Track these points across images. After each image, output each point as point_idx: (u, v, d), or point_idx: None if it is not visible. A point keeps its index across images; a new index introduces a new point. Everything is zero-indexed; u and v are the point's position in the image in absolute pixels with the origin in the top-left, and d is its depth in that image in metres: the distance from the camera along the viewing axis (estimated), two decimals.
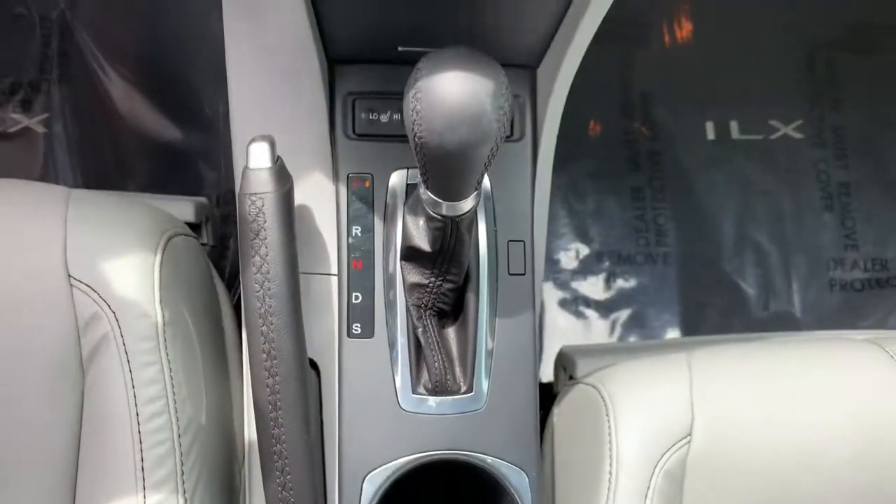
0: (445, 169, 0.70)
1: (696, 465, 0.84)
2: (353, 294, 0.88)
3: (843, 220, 1.63)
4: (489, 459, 0.87)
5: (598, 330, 1.54)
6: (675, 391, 0.87)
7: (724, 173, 1.63)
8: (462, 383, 0.87)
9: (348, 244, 0.89)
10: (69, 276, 0.80)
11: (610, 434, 0.86)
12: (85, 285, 0.80)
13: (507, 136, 0.91)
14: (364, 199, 0.90)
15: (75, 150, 1.51)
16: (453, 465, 0.87)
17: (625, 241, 1.58)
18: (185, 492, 0.81)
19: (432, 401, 0.86)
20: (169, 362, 0.82)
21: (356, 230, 0.89)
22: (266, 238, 0.75)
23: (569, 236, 1.58)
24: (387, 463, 0.85)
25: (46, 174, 1.50)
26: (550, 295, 1.55)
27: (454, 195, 0.74)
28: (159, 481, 0.80)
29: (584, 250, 1.58)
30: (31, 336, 0.80)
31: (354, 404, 0.86)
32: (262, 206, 0.76)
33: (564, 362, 1.15)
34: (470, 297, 0.88)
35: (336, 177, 0.90)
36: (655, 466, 0.84)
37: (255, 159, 0.77)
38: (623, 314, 1.55)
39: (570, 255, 1.57)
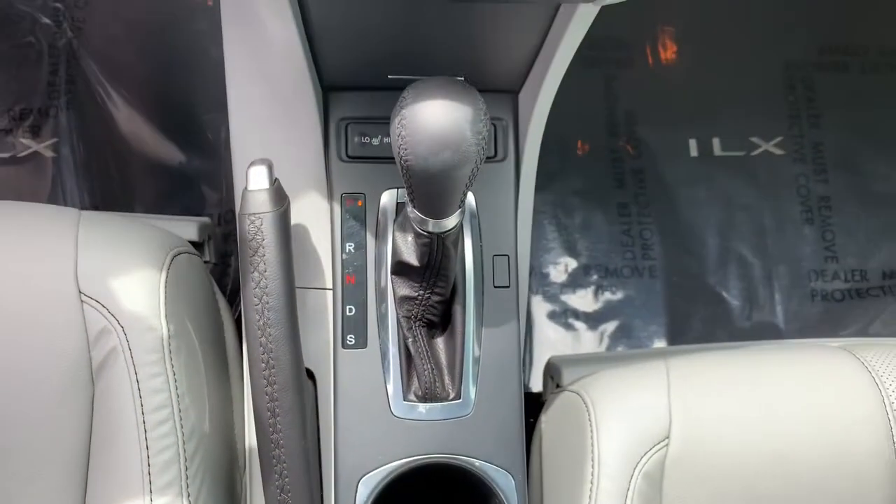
0: (430, 189, 0.73)
1: (673, 467, 0.86)
2: (347, 307, 0.91)
3: (823, 233, 1.66)
4: (477, 463, 0.89)
5: (586, 341, 1.55)
6: (654, 396, 0.89)
7: (707, 189, 1.66)
8: (451, 390, 0.89)
9: (342, 260, 0.92)
10: (80, 292, 0.83)
11: (592, 437, 0.88)
12: (95, 301, 0.83)
13: (491, 157, 0.95)
14: (357, 217, 0.93)
15: (83, 173, 1.53)
16: (443, 469, 0.89)
17: (612, 255, 1.60)
18: (189, 495, 0.84)
19: (422, 407, 0.88)
20: (174, 373, 0.85)
21: (349, 247, 0.93)
22: (265, 255, 0.78)
23: (557, 251, 1.60)
24: (380, 467, 0.88)
25: (55, 196, 1.52)
26: (540, 307, 1.57)
27: (439, 213, 0.77)
28: (165, 485, 0.82)
29: (573, 264, 1.60)
30: (45, 348, 0.83)
31: (349, 411, 0.89)
32: (261, 225, 0.79)
33: (552, 372, 1.18)
34: (457, 308, 0.90)
35: (330, 196, 0.93)
36: (635, 468, 0.86)
37: (253, 181, 0.81)
38: (610, 325, 1.57)
39: (559, 268, 1.59)
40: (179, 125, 1.57)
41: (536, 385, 1.44)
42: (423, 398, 0.89)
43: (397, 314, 0.90)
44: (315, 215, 0.93)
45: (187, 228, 1.15)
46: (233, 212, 1.49)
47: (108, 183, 1.54)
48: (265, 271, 0.79)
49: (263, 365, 0.78)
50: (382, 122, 0.92)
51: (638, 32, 1.73)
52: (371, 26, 0.82)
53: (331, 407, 0.90)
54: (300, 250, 0.92)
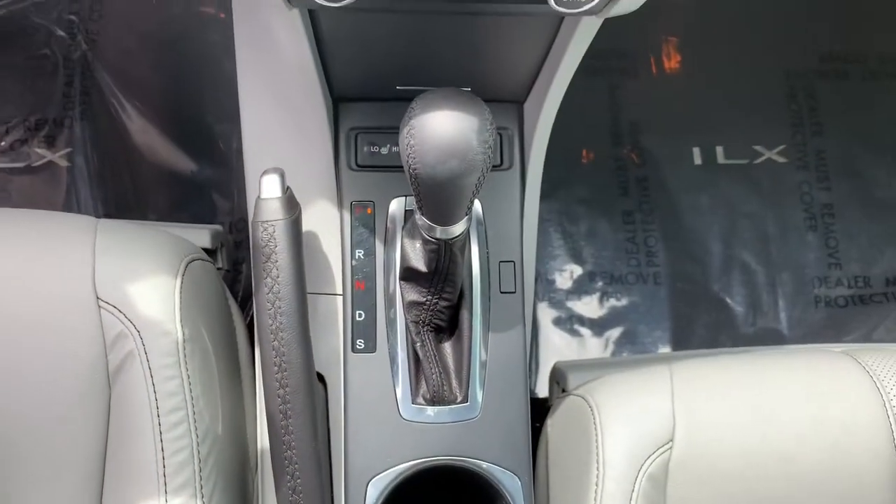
0: (438, 196, 0.75)
1: (677, 469, 0.87)
2: (357, 312, 0.93)
3: (826, 240, 1.66)
4: (484, 465, 0.90)
5: (592, 346, 1.56)
6: (658, 400, 0.90)
7: (710, 196, 1.67)
8: (458, 394, 0.91)
9: (352, 266, 0.94)
10: (98, 298, 0.85)
11: (597, 441, 0.88)
12: (112, 307, 0.85)
13: (497, 165, 0.97)
14: (366, 224, 0.95)
15: (96, 182, 1.55)
16: (451, 471, 0.90)
17: (616, 262, 1.61)
18: (203, 496, 0.85)
19: (430, 410, 0.90)
20: (188, 376, 0.86)
21: (359, 253, 0.95)
22: (277, 261, 0.80)
23: (563, 258, 1.61)
24: (389, 468, 0.89)
25: (69, 204, 1.54)
26: (546, 313, 1.58)
27: (447, 220, 0.79)
28: (179, 486, 0.83)
29: (578, 271, 1.61)
30: (63, 352, 0.84)
31: (358, 414, 0.90)
32: (274, 232, 0.81)
33: (557, 377, 1.19)
34: (464, 313, 0.92)
35: (340, 204, 0.95)
36: (639, 470, 0.86)
37: (266, 190, 0.83)
38: (615, 331, 1.58)
39: (565, 275, 1.61)
40: (191, 135, 1.59)
41: (542, 390, 1.45)
42: (431, 401, 0.90)
43: (406, 319, 0.92)
44: (326, 222, 0.95)
45: (201, 236, 1.17)
46: (244, 220, 1.52)
47: (122, 192, 1.56)
48: (278, 277, 0.80)
49: (276, 368, 0.80)
50: (391, 132, 0.93)
51: (641, 42, 1.75)
52: (380, 40, 0.84)
53: (341, 410, 0.92)
54: (311, 256, 0.94)
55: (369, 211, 0.95)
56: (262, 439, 0.97)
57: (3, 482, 0.85)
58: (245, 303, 1.44)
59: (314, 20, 0.80)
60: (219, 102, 1.58)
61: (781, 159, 1.71)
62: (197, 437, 0.86)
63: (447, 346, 0.93)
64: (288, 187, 0.85)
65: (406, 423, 0.90)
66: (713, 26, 1.77)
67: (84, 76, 1.62)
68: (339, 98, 0.95)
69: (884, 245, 1.67)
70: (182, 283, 0.89)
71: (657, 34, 1.75)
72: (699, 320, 1.61)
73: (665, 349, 1.58)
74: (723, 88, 1.74)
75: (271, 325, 0.80)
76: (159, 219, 1.54)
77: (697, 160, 1.70)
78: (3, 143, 1.58)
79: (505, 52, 0.87)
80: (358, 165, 0.95)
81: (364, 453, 0.90)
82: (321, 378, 0.94)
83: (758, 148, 1.71)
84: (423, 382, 0.91)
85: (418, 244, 0.86)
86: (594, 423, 0.90)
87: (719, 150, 1.70)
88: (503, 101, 0.96)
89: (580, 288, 1.61)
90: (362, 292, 0.94)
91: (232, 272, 1.45)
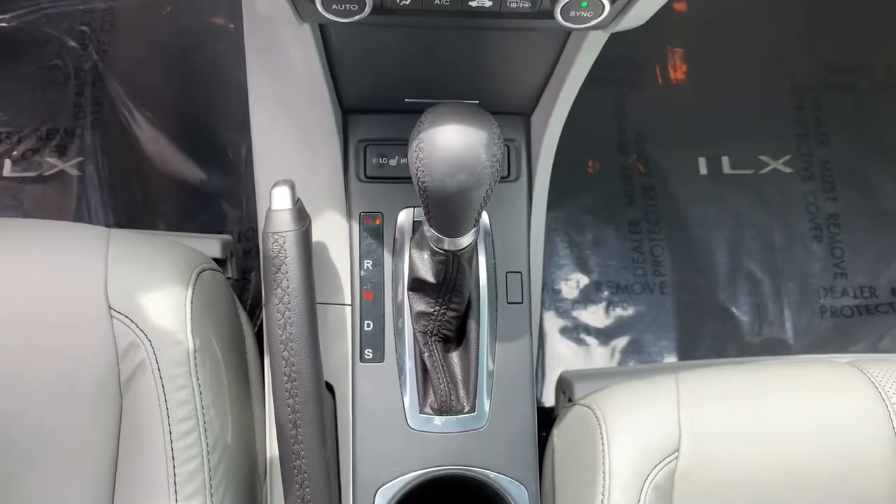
0: (446, 209, 0.76)
1: (683, 480, 0.87)
2: (366, 322, 0.94)
3: (832, 250, 1.67)
4: (491, 474, 0.91)
5: (598, 356, 1.57)
6: (664, 410, 0.90)
7: (716, 206, 1.67)
8: (465, 403, 0.91)
9: (361, 277, 0.95)
10: (110, 308, 0.85)
11: (603, 451, 0.89)
12: (124, 316, 0.85)
13: (504, 177, 0.98)
14: (375, 235, 0.96)
15: (107, 191, 1.56)
16: (458, 480, 0.91)
17: (623, 272, 1.62)
18: None
19: (438, 420, 0.91)
20: (199, 386, 0.86)
21: (368, 263, 0.95)
22: (287, 272, 0.81)
23: (569, 267, 1.62)
24: (397, 478, 0.90)
25: (80, 213, 1.55)
26: (552, 323, 1.59)
27: (455, 232, 0.80)
28: (190, 495, 0.84)
29: (584, 280, 1.62)
30: (76, 361, 0.85)
31: (367, 423, 0.91)
32: (284, 243, 0.81)
33: (564, 386, 1.19)
34: (472, 324, 0.93)
35: (349, 215, 0.96)
36: (645, 480, 0.86)
37: (277, 201, 0.84)
38: (622, 341, 1.59)
39: (571, 285, 1.61)
40: (201, 144, 1.60)
41: (549, 399, 1.45)
42: (439, 411, 0.91)
43: (414, 329, 0.93)
44: (335, 233, 0.96)
45: (211, 246, 1.18)
46: (253, 229, 1.53)
47: (132, 201, 1.58)
48: (288, 288, 0.81)
49: (285, 378, 0.81)
50: (399, 144, 0.95)
51: (647, 53, 1.76)
52: (389, 54, 0.85)
53: (349, 419, 0.93)
54: (321, 267, 0.95)
55: (378, 222, 0.96)
56: (272, 448, 0.98)
57: (16, 490, 0.86)
58: (254, 311, 1.45)
59: (324, 34, 0.81)
60: (228, 112, 1.60)
61: (787, 169, 1.72)
62: (207, 445, 0.86)
63: (455, 356, 0.94)
64: (298, 199, 0.86)
65: (414, 432, 0.91)
66: (719, 37, 1.78)
67: (95, 86, 1.63)
68: (349, 110, 0.96)
69: (890, 255, 1.68)
70: (193, 293, 0.90)
71: (663, 45, 1.76)
72: (705, 330, 1.61)
73: (671, 359, 1.58)
74: (729, 99, 1.75)
75: (281, 336, 0.81)
76: (169, 227, 1.55)
77: (703, 170, 1.70)
78: (14, 153, 1.60)
79: (512, 66, 0.88)
80: (367, 177, 0.96)
81: (372, 462, 0.91)
82: (330, 387, 0.95)
83: (763, 158, 1.72)
84: (431, 392, 0.92)
85: (426, 255, 0.87)
86: (600, 433, 0.90)
87: (725, 160, 1.71)
88: (511, 113, 0.97)
89: (586, 297, 1.61)
90: (371, 302, 0.95)
91: (241, 281, 1.46)
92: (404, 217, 0.96)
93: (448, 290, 0.88)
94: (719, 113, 1.74)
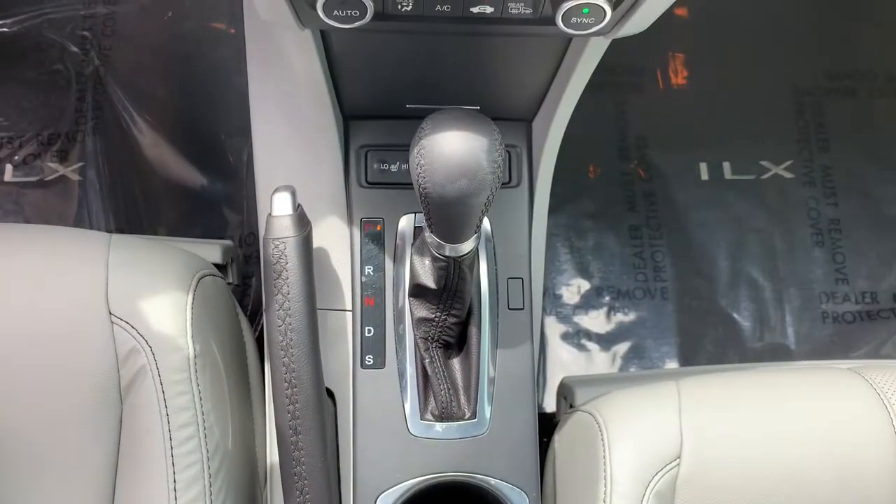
0: (447, 215, 0.76)
1: (684, 486, 0.87)
2: (366, 328, 0.94)
3: (833, 256, 1.66)
4: (492, 481, 0.91)
5: (599, 362, 1.56)
6: (665, 416, 0.90)
7: (717, 212, 1.67)
8: (466, 410, 0.91)
9: (361, 282, 0.95)
10: (110, 313, 0.85)
11: (605, 457, 0.88)
12: (125, 322, 0.85)
13: (506, 183, 0.98)
14: (376, 241, 0.96)
15: (108, 196, 1.56)
16: (459, 486, 0.91)
17: (624, 277, 1.62)
18: None
19: (439, 426, 0.91)
20: (199, 392, 0.86)
21: (368, 269, 0.95)
22: (288, 278, 0.81)
23: (570, 273, 1.62)
24: (397, 484, 0.89)
25: (81, 218, 1.55)
26: (553, 329, 1.58)
27: (456, 238, 0.80)
28: (190, 501, 0.84)
29: (585, 286, 1.61)
30: (76, 367, 0.85)
31: (367, 429, 0.91)
32: (285, 249, 0.82)
33: (565, 392, 1.19)
34: (473, 330, 0.92)
35: (350, 221, 0.96)
36: (647, 487, 0.86)
37: (278, 207, 0.84)
38: (623, 346, 1.58)
39: (572, 290, 1.61)
40: (202, 149, 1.60)
41: (550, 405, 1.45)
42: (440, 417, 0.91)
43: (415, 335, 0.93)
44: (336, 239, 0.96)
45: (212, 251, 1.18)
46: (254, 234, 1.53)
47: (133, 206, 1.58)
48: (288, 294, 0.81)
49: (286, 384, 0.81)
50: (401, 150, 0.95)
51: (648, 58, 1.76)
52: (390, 60, 0.85)
53: (350, 425, 0.93)
54: (321, 273, 0.95)
55: (379, 228, 0.96)
56: (272, 454, 0.98)
57: (15, 496, 0.86)
58: (254, 317, 1.45)
59: (326, 40, 0.81)
60: (230, 116, 1.60)
61: (788, 175, 1.72)
62: (207, 452, 0.86)
63: (456, 363, 0.94)
64: (299, 205, 0.86)
65: (414, 438, 0.91)
66: (720, 42, 1.78)
67: (96, 91, 1.63)
68: (350, 116, 0.96)
69: (891, 261, 1.67)
70: (194, 298, 0.90)
71: (664, 50, 1.76)
72: (707, 335, 1.61)
73: (672, 364, 1.58)
74: (730, 104, 1.75)
75: (282, 342, 0.81)
76: (170, 232, 1.55)
77: (704, 175, 1.70)
78: (16, 158, 1.60)
79: (514, 72, 0.88)
80: (368, 182, 0.97)
81: (372, 469, 0.91)
82: (330, 394, 0.94)
83: (765, 163, 1.72)
84: (432, 398, 0.92)
85: (427, 261, 0.87)
86: (602, 440, 0.90)
87: (726, 165, 1.71)
88: (512, 119, 0.97)
89: (587, 303, 1.61)
90: (371, 308, 0.95)
91: (241, 286, 1.46)
92: (405, 223, 0.96)
93: (449, 296, 0.88)
94: (720, 118, 1.74)
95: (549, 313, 1.59)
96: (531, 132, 1.00)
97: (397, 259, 0.95)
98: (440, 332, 0.91)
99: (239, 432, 0.94)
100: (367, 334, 0.94)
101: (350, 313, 0.96)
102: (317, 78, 0.86)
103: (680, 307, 1.62)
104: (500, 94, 0.92)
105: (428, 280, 0.87)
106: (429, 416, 0.92)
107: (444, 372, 0.92)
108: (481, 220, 0.79)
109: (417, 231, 0.95)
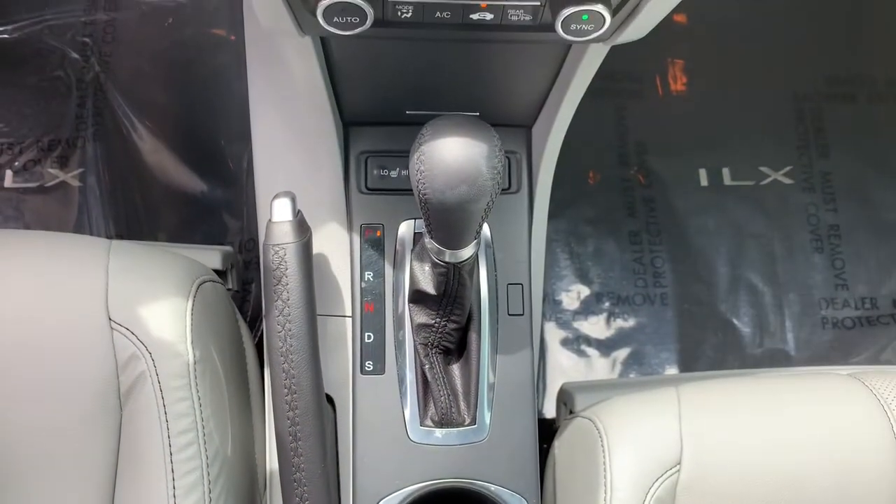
0: (447, 221, 0.76)
1: (685, 492, 0.87)
2: (366, 334, 0.94)
3: (833, 261, 1.67)
4: (492, 487, 0.90)
5: (599, 367, 1.56)
6: (665, 422, 0.90)
7: (717, 217, 1.67)
8: (466, 416, 0.91)
9: (361, 288, 0.95)
10: (110, 320, 0.85)
11: (605, 463, 0.89)
12: (124, 328, 0.85)
13: (505, 189, 0.98)
14: (376, 246, 0.96)
15: (108, 201, 1.57)
16: (459, 493, 0.91)
17: (624, 283, 1.62)
18: None
19: (439, 432, 0.90)
20: (199, 398, 0.86)
21: (368, 275, 0.95)
22: (288, 284, 0.81)
23: (570, 278, 1.62)
24: (397, 490, 0.89)
25: (81, 224, 1.55)
26: (553, 334, 1.58)
27: (456, 244, 0.80)
28: None
29: (585, 291, 1.61)
30: (75, 373, 0.85)
31: (367, 436, 0.91)
32: (285, 255, 0.82)
33: (565, 398, 1.19)
34: (472, 336, 0.92)
35: (350, 227, 0.96)
36: (647, 493, 0.86)
37: (278, 213, 0.84)
38: (623, 352, 1.58)
39: (572, 296, 1.61)
40: (202, 155, 1.60)
41: (550, 411, 1.45)
42: (440, 423, 0.91)
43: (414, 341, 0.92)
44: (336, 245, 0.96)
45: (212, 257, 1.18)
46: (254, 240, 1.53)
47: (133, 211, 1.58)
48: (288, 300, 0.82)
49: (286, 391, 0.81)
50: (401, 156, 0.95)
51: (648, 64, 1.76)
52: (390, 66, 0.85)
53: (350, 432, 0.92)
54: (321, 279, 0.95)
55: (378, 234, 0.96)
56: (272, 461, 0.98)
57: (13, 501, 0.86)
58: (254, 323, 1.45)
59: (325, 47, 0.82)
60: (230, 122, 1.60)
61: (788, 181, 1.72)
62: (207, 458, 0.86)
63: (455, 369, 0.94)
64: (299, 210, 0.86)
65: (414, 445, 0.91)
66: (719, 49, 1.79)
67: (97, 97, 1.64)
68: (350, 122, 0.96)
69: (891, 266, 1.68)
70: (194, 304, 0.90)
71: (664, 56, 1.77)
72: (706, 341, 1.61)
73: (672, 370, 1.58)
74: (729, 110, 1.75)
75: (281, 348, 0.81)
76: (169, 238, 1.55)
77: (704, 181, 1.70)
78: (16, 164, 1.60)
79: (514, 78, 0.88)
80: (368, 188, 0.97)
81: (372, 475, 0.90)
82: (330, 400, 0.94)
83: (764, 169, 1.72)
84: (432, 404, 0.92)
85: (427, 267, 0.87)
86: (602, 446, 0.90)
87: (726, 171, 1.71)
88: (512, 125, 0.98)
89: (587, 308, 1.61)
90: (371, 314, 0.95)
91: (241, 292, 1.46)
92: (405, 229, 0.96)
93: (449, 302, 0.88)
94: (720, 124, 1.75)
95: (548, 319, 1.59)
96: (531, 138, 1.00)
97: (397, 265, 0.95)
98: (440, 337, 0.91)
99: (238, 438, 0.94)
100: (366, 340, 0.94)
101: (350, 319, 0.96)
102: (317, 84, 0.86)
103: (680, 313, 1.62)
104: (499, 100, 0.93)
105: (428, 286, 0.87)
106: (428, 422, 0.91)
107: (443, 378, 0.92)
108: (481, 226, 0.79)
109: (417, 237, 0.95)
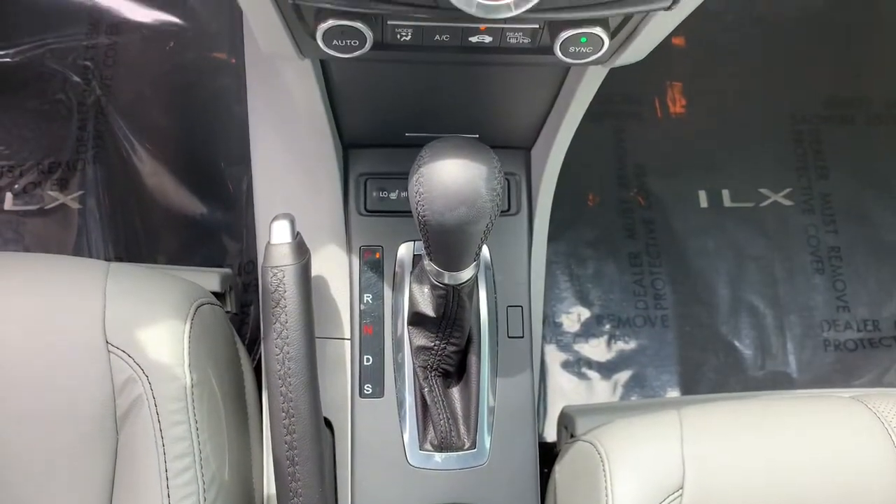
0: (446, 243, 0.76)
1: None
2: (365, 357, 0.93)
3: (834, 283, 1.66)
4: None
5: (600, 390, 1.55)
6: (667, 446, 0.89)
7: (717, 239, 1.67)
8: (466, 440, 0.91)
9: (360, 311, 0.94)
10: (107, 342, 0.85)
11: (607, 488, 0.87)
12: (121, 351, 0.85)
13: (505, 211, 0.98)
14: (375, 268, 0.96)
15: (108, 224, 1.56)
16: None
17: (624, 305, 1.61)
18: None
19: (438, 457, 0.90)
20: (196, 422, 0.86)
21: (367, 297, 0.95)
22: (286, 307, 0.81)
23: (570, 300, 1.61)
24: None
25: (80, 247, 1.55)
26: (554, 357, 1.58)
27: (455, 266, 0.80)
28: None
29: (586, 314, 1.61)
30: (72, 396, 0.84)
31: (366, 460, 0.90)
32: (283, 277, 0.82)
33: (566, 421, 1.18)
34: (472, 358, 0.92)
35: (349, 249, 0.96)
36: None
37: (276, 235, 0.84)
38: (624, 375, 1.57)
39: (572, 318, 1.60)
40: (202, 178, 1.60)
41: (551, 434, 1.44)
42: (439, 447, 0.90)
43: (413, 364, 0.92)
44: (335, 267, 0.96)
45: (211, 279, 1.18)
46: (253, 262, 1.52)
47: (133, 234, 1.58)
48: (286, 322, 0.81)
49: (283, 414, 0.80)
50: (400, 178, 0.95)
51: (646, 87, 1.77)
52: (390, 89, 0.86)
53: (348, 456, 0.92)
54: (320, 301, 0.95)
55: (378, 256, 0.96)
56: (269, 485, 0.97)
57: None
58: (252, 345, 1.44)
59: (325, 69, 0.82)
60: (230, 145, 1.60)
61: (787, 202, 1.72)
62: (203, 483, 0.85)
63: (455, 392, 0.93)
64: (298, 233, 0.86)
65: (413, 469, 0.90)
66: (717, 71, 1.80)
67: (98, 120, 1.64)
68: (349, 144, 0.97)
69: (892, 288, 1.67)
70: (191, 327, 0.89)
71: (662, 79, 1.78)
72: (708, 364, 1.60)
73: (674, 393, 1.57)
74: (728, 132, 1.76)
75: (279, 371, 0.81)
76: (169, 261, 1.55)
77: (703, 203, 1.71)
78: (16, 186, 1.60)
79: (513, 100, 0.89)
80: (367, 210, 0.97)
81: (371, 500, 0.90)
82: (328, 423, 0.94)
83: (763, 191, 1.72)
84: (431, 428, 0.91)
85: (426, 289, 0.86)
86: (603, 470, 0.89)
87: (725, 192, 1.72)
88: (511, 147, 0.98)
89: (588, 331, 1.60)
90: (370, 337, 0.94)
91: (240, 315, 1.46)
92: (404, 251, 0.96)
93: (448, 324, 0.88)
94: (719, 146, 1.75)
95: (549, 341, 1.58)
96: (530, 160, 1.00)
97: (396, 287, 0.95)
98: (439, 360, 0.90)
99: (236, 463, 0.93)
100: (365, 363, 0.93)
101: (348, 342, 0.95)
102: (316, 107, 0.86)
103: (681, 335, 1.61)
104: (498, 122, 0.93)
105: (427, 308, 0.87)
106: (428, 446, 0.91)
107: (443, 401, 0.91)
108: (480, 248, 0.79)
109: (416, 259, 0.95)
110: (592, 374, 1.58)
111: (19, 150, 1.62)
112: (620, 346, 1.60)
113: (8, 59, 1.67)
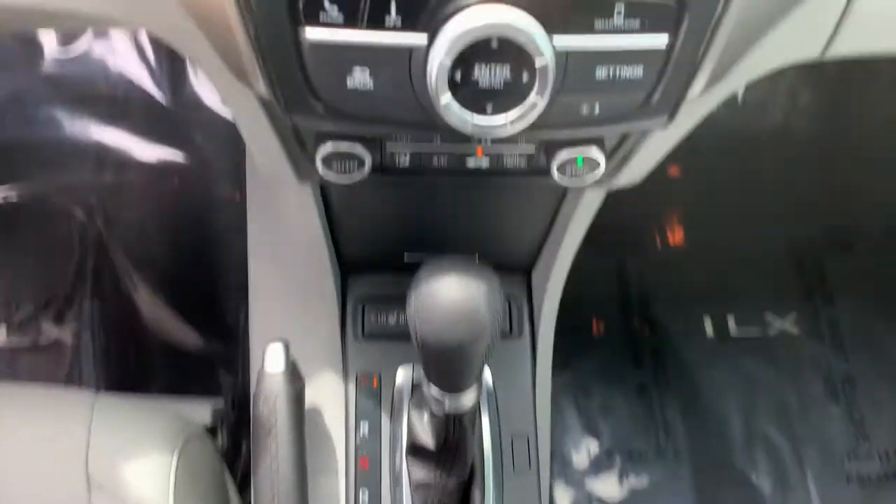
0: (446, 363, 0.73)
1: None
2: (361, 490, 0.89)
3: (850, 412, 1.61)
4: None
5: None
6: None
7: (726, 369, 1.63)
8: None
9: (356, 444, 0.91)
10: (88, 479, 0.81)
11: None
12: (103, 488, 0.81)
13: (506, 334, 0.96)
14: (371, 396, 0.93)
15: (100, 358, 1.54)
16: None
17: (634, 438, 1.55)
18: None
19: None
20: None
21: (364, 427, 0.92)
22: (277, 436, 0.78)
23: (578, 433, 1.55)
24: None
25: (70, 381, 1.52)
26: (563, 494, 1.50)
27: (455, 387, 0.76)
28: None
29: (595, 448, 1.55)
30: None
31: None
32: (275, 407, 0.79)
33: None
34: (476, 493, 0.87)
35: (345, 376, 0.94)
36: None
37: (270, 363, 0.82)
38: None
39: (581, 452, 1.54)
40: (200, 310, 1.59)
41: None
42: None
43: (413, 501, 0.86)
44: (330, 395, 0.93)
45: (202, 412, 1.15)
46: (248, 396, 1.48)
47: (125, 367, 1.55)
48: (277, 454, 0.78)
49: None
50: (399, 302, 0.93)
51: (644, 218, 1.79)
52: (388, 212, 0.86)
53: None
54: (314, 432, 0.91)
55: (375, 384, 0.93)
56: None
57: None
58: (245, 481, 1.37)
59: (324, 194, 0.83)
60: (228, 279, 1.60)
61: (795, 330, 1.70)
62: None
63: None
64: (292, 360, 0.83)
65: None
66: (714, 200, 1.82)
67: (98, 255, 1.64)
68: (348, 269, 0.96)
69: None
70: (178, 462, 0.86)
71: (660, 209, 1.80)
72: (724, 498, 1.53)
73: None
74: (729, 260, 1.75)
75: None
76: (161, 392, 1.51)
77: (709, 332, 1.68)
78: (13, 320, 1.59)
79: (511, 221, 0.89)
80: (364, 335, 0.95)
81: None
82: None
83: (769, 317, 1.70)
84: None
85: (426, 417, 0.83)
86: None
87: (731, 320, 1.70)
88: (511, 268, 0.97)
89: (598, 466, 1.54)
90: (366, 472, 0.90)
91: (232, 451, 1.40)
92: (403, 377, 0.93)
93: (450, 455, 0.83)
94: (720, 274, 1.74)
95: (557, 477, 1.51)
96: (531, 283, 0.99)
97: (394, 415, 0.91)
98: (440, 496, 0.85)
99: None
100: (361, 498, 0.88)
101: (343, 476, 0.90)
102: (315, 231, 0.86)
103: (694, 469, 1.54)
104: (498, 243, 0.93)
105: (427, 438, 0.83)
106: None
107: None
108: (481, 370, 0.76)
109: (416, 388, 0.91)
110: None
111: (17, 285, 1.62)
112: (632, 481, 1.53)
113: (14, 199, 1.70)
